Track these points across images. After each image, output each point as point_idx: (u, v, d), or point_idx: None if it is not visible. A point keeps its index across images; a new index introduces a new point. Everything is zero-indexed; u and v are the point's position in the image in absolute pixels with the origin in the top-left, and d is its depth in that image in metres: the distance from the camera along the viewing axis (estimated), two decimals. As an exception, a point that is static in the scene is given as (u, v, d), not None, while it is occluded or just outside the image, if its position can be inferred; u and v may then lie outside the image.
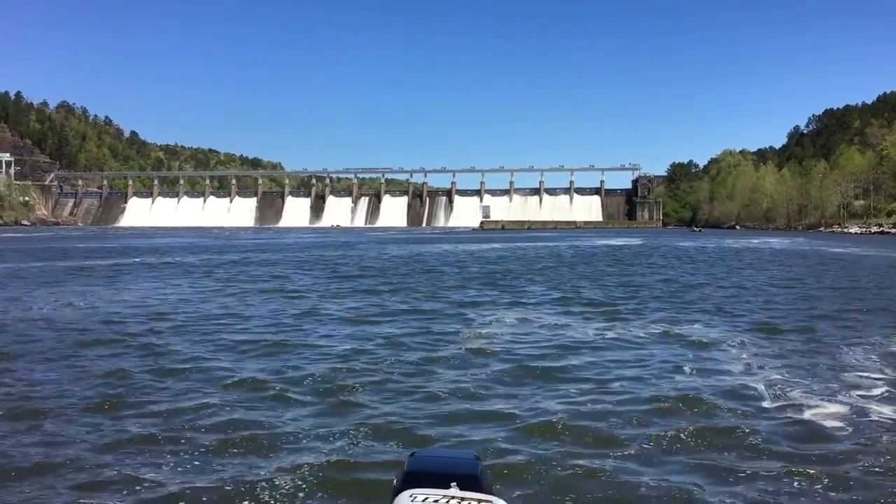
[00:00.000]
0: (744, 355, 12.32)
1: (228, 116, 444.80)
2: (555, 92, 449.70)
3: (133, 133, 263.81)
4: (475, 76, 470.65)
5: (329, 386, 10.02)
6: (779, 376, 10.54)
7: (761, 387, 9.85)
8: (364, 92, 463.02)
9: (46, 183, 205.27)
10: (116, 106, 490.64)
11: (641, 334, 14.75)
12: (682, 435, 7.84)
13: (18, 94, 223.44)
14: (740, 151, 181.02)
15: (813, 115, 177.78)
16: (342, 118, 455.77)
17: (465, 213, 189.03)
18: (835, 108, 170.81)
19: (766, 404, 9.07)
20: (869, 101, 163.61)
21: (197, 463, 7.09)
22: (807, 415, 8.62)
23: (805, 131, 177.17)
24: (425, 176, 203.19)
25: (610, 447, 7.53)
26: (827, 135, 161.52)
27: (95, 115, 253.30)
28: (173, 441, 7.63)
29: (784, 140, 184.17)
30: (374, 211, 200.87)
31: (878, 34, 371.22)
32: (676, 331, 14.96)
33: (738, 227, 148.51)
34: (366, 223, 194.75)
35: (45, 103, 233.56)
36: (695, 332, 14.73)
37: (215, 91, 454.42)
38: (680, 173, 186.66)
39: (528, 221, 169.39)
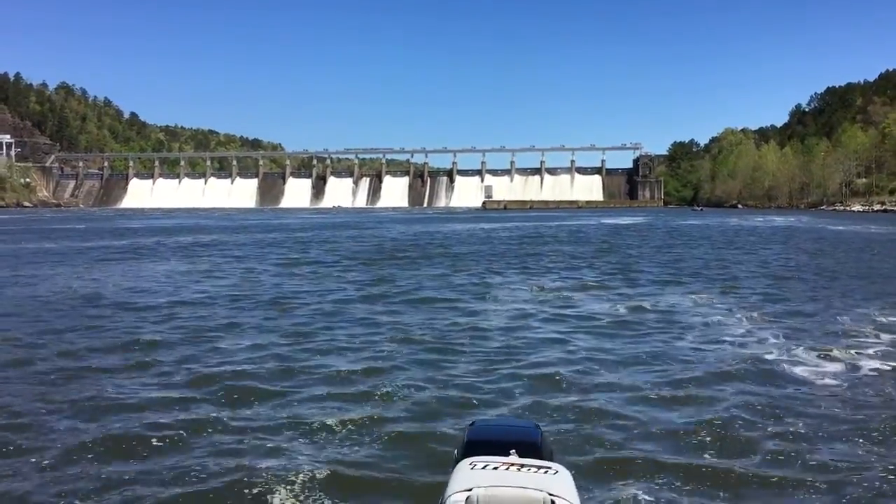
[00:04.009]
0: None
1: (228, 97, 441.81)
2: (556, 71, 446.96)
3: (133, 114, 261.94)
4: (475, 56, 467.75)
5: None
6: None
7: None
8: (364, 72, 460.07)
9: (47, 164, 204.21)
10: (116, 87, 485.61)
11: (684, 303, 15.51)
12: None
13: (17, 75, 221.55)
14: (742, 130, 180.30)
15: (815, 94, 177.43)
16: (342, 99, 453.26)
17: (467, 193, 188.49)
18: (837, 87, 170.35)
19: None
20: (871, 79, 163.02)
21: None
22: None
23: (807, 109, 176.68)
24: (426, 156, 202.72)
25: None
26: (829, 113, 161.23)
27: (95, 97, 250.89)
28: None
29: (786, 118, 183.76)
30: (375, 191, 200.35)
31: (880, 12, 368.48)
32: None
33: (739, 205, 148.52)
34: (367, 204, 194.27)
35: (44, 84, 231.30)
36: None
37: (214, 72, 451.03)
38: (681, 152, 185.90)
39: (531, 201, 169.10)
